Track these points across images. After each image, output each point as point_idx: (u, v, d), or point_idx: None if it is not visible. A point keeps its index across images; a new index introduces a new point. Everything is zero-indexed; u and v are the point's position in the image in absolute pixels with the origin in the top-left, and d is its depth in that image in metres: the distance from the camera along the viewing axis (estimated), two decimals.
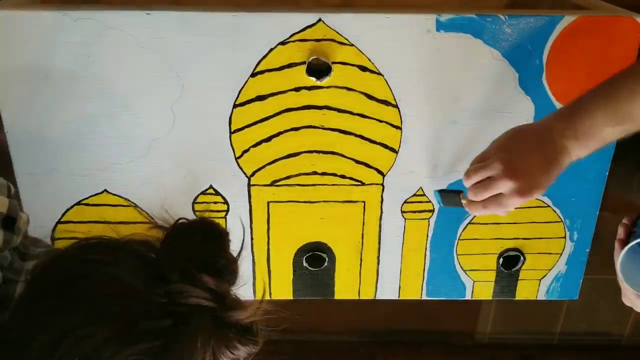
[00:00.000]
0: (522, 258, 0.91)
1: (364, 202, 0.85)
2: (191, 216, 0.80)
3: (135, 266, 0.48)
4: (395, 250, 0.89)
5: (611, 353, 1.37)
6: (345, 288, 0.92)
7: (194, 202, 0.84)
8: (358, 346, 1.37)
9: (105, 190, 0.82)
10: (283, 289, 0.91)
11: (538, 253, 0.91)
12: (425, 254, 0.90)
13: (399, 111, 0.79)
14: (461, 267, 0.91)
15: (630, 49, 0.77)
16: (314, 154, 0.81)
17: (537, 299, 0.95)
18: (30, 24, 0.72)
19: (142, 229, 0.87)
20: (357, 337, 1.37)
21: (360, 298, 0.93)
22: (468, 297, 0.94)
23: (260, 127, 0.79)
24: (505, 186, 0.68)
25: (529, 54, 0.77)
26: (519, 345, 1.39)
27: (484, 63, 0.77)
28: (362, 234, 0.88)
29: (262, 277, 0.89)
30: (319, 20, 0.74)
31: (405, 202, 0.86)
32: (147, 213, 0.84)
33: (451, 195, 0.79)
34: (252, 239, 0.87)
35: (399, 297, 0.93)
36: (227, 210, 0.85)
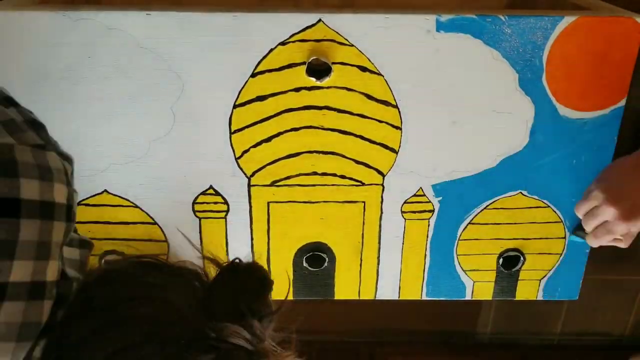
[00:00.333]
0: (522, 258, 0.91)
1: (364, 202, 0.85)
2: (191, 216, 0.80)
3: (189, 295, 0.51)
4: (395, 250, 0.89)
5: (611, 353, 1.37)
6: (345, 288, 0.92)
7: (194, 202, 0.84)
8: (358, 346, 1.37)
9: (105, 191, 0.82)
10: (283, 289, 0.91)
11: (538, 253, 0.91)
12: (425, 254, 0.90)
13: (399, 111, 0.79)
14: (461, 267, 0.91)
15: (630, 49, 0.77)
16: (314, 154, 0.81)
17: (537, 299, 0.95)
18: (30, 24, 0.72)
19: (142, 229, 0.87)
20: (357, 337, 1.37)
21: (360, 298, 0.93)
22: (468, 297, 0.94)
23: (260, 127, 0.79)
24: (608, 213, 0.74)
25: (529, 55, 0.77)
26: (519, 345, 1.39)
27: (484, 63, 0.77)
28: (362, 234, 0.88)
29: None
30: (319, 20, 0.74)
31: (405, 202, 0.86)
32: (148, 214, 0.84)
33: (579, 230, 0.87)
34: (252, 239, 0.87)
35: (399, 297, 0.93)
36: (227, 211, 0.85)
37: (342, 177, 0.83)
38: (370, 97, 0.78)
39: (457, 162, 0.83)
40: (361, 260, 0.90)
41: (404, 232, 0.88)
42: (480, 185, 0.85)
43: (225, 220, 0.85)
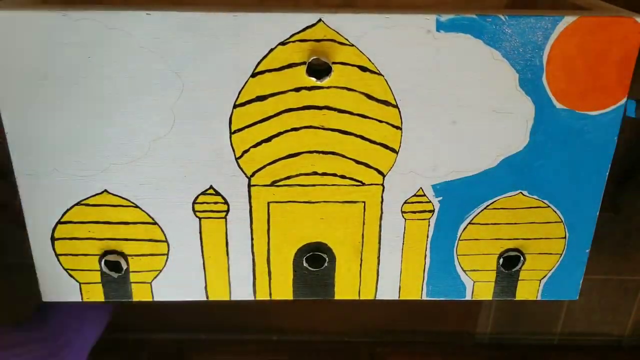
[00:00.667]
0: (522, 258, 0.91)
1: (364, 202, 0.85)
2: (191, 216, 0.80)
3: None
4: (395, 250, 0.89)
5: (611, 353, 1.37)
6: (345, 288, 0.92)
7: (194, 202, 0.84)
8: (358, 346, 1.37)
9: (105, 191, 0.82)
10: (283, 289, 0.91)
11: (538, 253, 0.91)
12: (425, 254, 0.90)
13: (399, 111, 0.79)
14: (461, 267, 0.91)
15: (630, 49, 0.77)
16: (314, 154, 0.81)
17: (537, 299, 0.95)
18: (30, 24, 0.72)
19: (142, 229, 0.87)
20: (357, 337, 1.37)
21: (360, 298, 0.93)
22: (468, 297, 0.94)
23: (260, 127, 0.79)
24: None
25: (529, 54, 0.77)
26: (519, 345, 1.39)
27: (484, 63, 0.77)
28: (362, 234, 0.88)
29: (262, 277, 0.90)
30: (319, 20, 0.74)
31: (405, 202, 0.86)
32: (148, 214, 0.84)
33: None
34: (252, 239, 0.87)
35: (399, 297, 0.93)
36: (227, 211, 0.85)
37: (343, 177, 0.83)
38: (370, 97, 0.78)
39: (457, 162, 0.83)
40: (361, 260, 0.90)
41: (404, 232, 0.88)
42: (480, 185, 0.85)
43: (225, 220, 0.85)
